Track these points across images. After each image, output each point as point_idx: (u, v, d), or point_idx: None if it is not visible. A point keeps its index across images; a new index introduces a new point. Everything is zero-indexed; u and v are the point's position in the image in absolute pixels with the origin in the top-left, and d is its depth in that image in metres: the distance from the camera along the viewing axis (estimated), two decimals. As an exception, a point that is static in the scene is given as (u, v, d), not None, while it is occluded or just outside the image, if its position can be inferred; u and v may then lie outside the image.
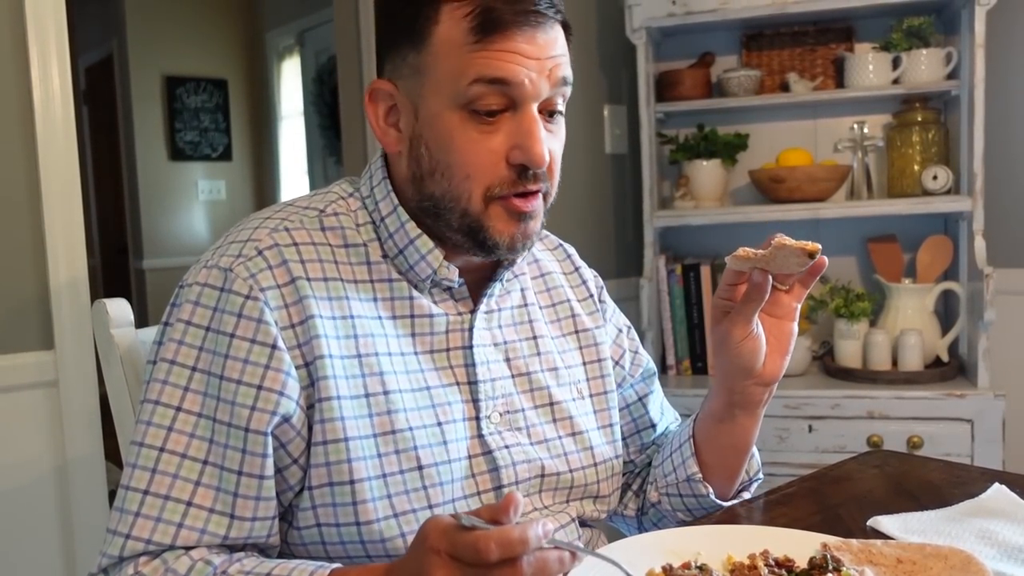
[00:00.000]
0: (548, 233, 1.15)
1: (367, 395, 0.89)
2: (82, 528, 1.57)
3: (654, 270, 2.37)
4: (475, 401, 0.96)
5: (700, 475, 1.04)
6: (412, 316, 0.95)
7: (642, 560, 0.82)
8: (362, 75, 2.72)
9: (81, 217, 1.57)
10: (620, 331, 1.15)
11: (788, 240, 0.87)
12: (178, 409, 0.86)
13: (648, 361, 1.17)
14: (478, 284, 0.99)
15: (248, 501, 0.85)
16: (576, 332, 1.08)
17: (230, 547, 0.86)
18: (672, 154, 2.48)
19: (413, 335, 0.94)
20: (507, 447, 0.96)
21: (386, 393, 0.90)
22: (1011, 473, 1.10)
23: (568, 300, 1.10)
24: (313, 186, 4.94)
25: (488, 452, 0.95)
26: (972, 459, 2.05)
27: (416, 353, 0.94)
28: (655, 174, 2.40)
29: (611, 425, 1.08)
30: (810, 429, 2.15)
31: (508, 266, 1.00)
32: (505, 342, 1.00)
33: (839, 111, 2.44)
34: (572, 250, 1.16)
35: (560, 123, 0.94)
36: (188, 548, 0.83)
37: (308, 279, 0.89)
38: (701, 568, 0.81)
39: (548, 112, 0.91)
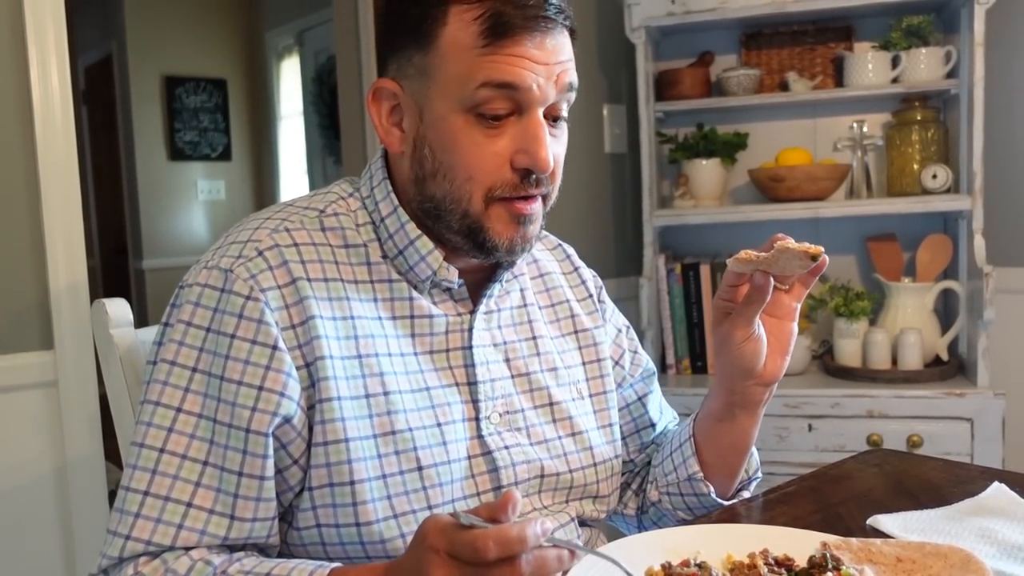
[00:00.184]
0: (547, 233, 1.15)
1: (367, 396, 0.89)
2: (82, 528, 1.57)
3: (653, 269, 2.37)
4: (475, 402, 0.96)
5: (701, 474, 1.04)
6: (412, 317, 0.94)
7: (641, 559, 0.82)
8: (361, 75, 2.72)
9: (80, 217, 1.57)
10: (619, 331, 1.15)
11: (790, 242, 0.87)
12: (178, 410, 0.85)
13: (647, 361, 1.17)
14: (478, 285, 0.99)
15: (248, 502, 0.85)
16: (575, 332, 1.09)
17: (230, 547, 0.86)
18: (671, 153, 2.48)
19: (413, 336, 0.94)
20: (507, 447, 0.96)
21: (386, 394, 0.90)
22: (1011, 472, 1.10)
23: (567, 300, 1.10)
24: (312, 186, 4.94)
25: (488, 453, 0.95)
26: (972, 458, 2.05)
27: (416, 354, 0.94)
28: (654, 173, 2.40)
29: (611, 425, 1.08)
30: (810, 428, 2.15)
31: (507, 267, 1.00)
32: (505, 342, 1.00)
33: (838, 110, 2.44)
34: (571, 250, 1.16)
35: (563, 128, 0.94)
36: (188, 549, 0.83)
37: (309, 280, 0.89)
38: (700, 566, 0.81)
39: (552, 117, 0.91)
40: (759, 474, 1.11)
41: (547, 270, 1.10)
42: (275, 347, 0.85)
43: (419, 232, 0.94)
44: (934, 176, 2.19)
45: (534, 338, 1.03)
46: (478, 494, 0.94)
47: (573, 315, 1.09)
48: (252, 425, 0.84)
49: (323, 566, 0.80)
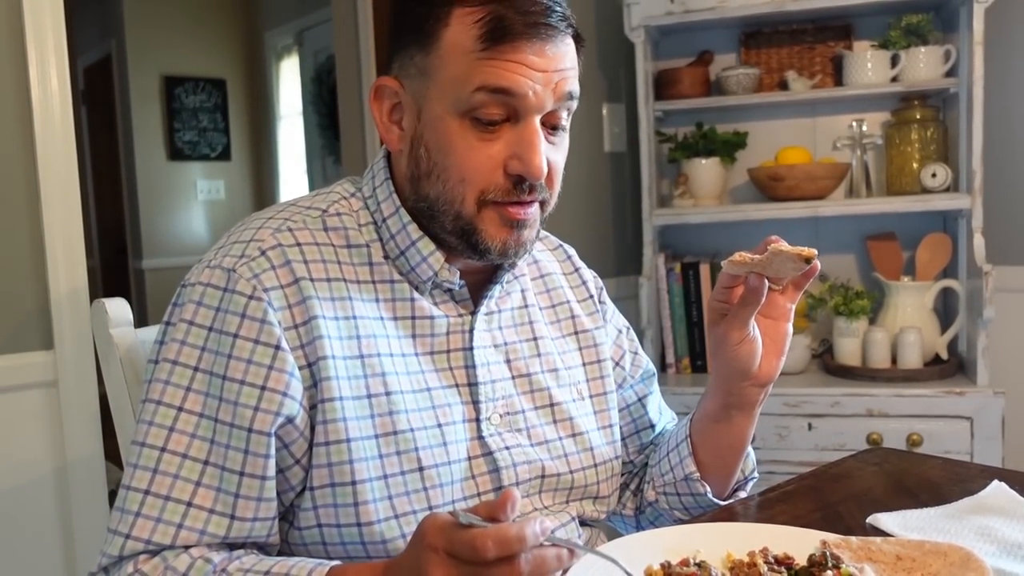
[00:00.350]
0: (548, 234, 1.15)
1: (369, 396, 0.89)
2: (82, 528, 1.57)
3: (653, 268, 2.38)
4: (475, 403, 0.96)
5: (697, 474, 1.04)
6: (413, 317, 0.95)
7: (641, 558, 0.82)
8: (361, 75, 2.72)
9: (80, 217, 1.57)
10: (620, 332, 1.15)
11: (784, 245, 0.87)
12: (180, 409, 0.86)
13: (647, 362, 1.17)
14: (478, 286, 0.99)
15: (249, 502, 0.85)
16: (576, 333, 1.09)
17: (230, 545, 0.86)
18: (671, 152, 2.48)
19: (414, 336, 0.94)
20: (507, 448, 0.96)
21: (388, 394, 0.90)
22: (1010, 470, 1.10)
23: (568, 301, 1.10)
24: (312, 186, 4.94)
25: (488, 453, 0.95)
26: (971, 456, 2.05)
27: (417, 354, 0.94)
28: (654, 172, 2.40)
29: (611, 426, 1.08)
30: (810, 427, 2.15)
31: (508, 268, 1.00)
32: (505, 343, 1.00)
33: (838, 109, 2.44)
34: (572, 251, 1.16)
35: (563, 137, 0.93)
36: (187, 547, 0.83)
37: (311, 280, 0.89)
38: (700, 566, 0.81)
39: (551, 126, 0.91)
40: (755, 474, 1.11)
41: (548, 271, 1.10)
42: (278, 347, 0.85)
43: (421, 233, 0.93)
44: (933, 175, 2.20)
45: (535, 339, 1.03)
46: (479, 494, 0.94)
47: (574, 316, 1.09)
48: (254, 425, 0.84)
49: (322, 564, 0.80)
